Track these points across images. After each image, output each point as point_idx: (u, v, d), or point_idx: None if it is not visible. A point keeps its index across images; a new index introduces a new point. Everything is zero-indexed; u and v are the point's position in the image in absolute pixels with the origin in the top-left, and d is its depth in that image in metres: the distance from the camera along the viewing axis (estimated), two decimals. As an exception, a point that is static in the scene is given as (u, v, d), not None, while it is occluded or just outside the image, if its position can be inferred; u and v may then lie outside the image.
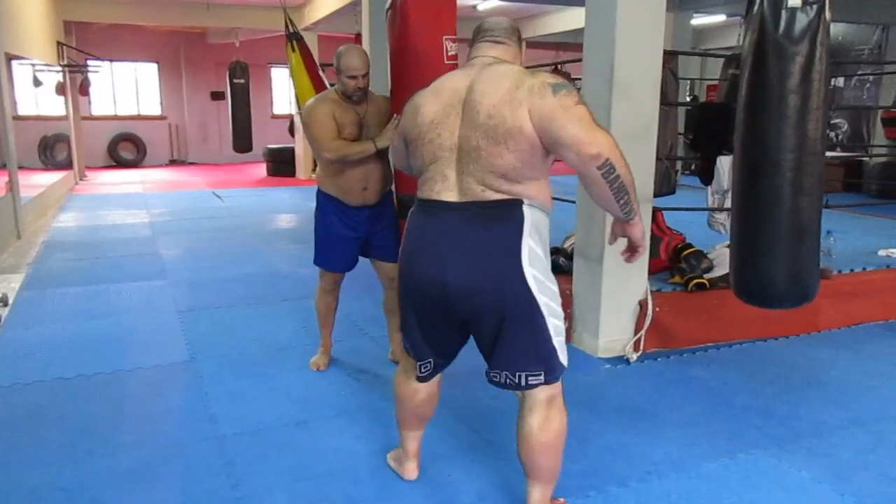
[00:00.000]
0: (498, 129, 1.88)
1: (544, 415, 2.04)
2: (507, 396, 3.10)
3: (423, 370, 2.23)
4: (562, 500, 2.28)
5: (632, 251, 2.07)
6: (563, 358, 2.04)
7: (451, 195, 1.98)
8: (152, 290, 4.96)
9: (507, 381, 2.03)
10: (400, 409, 2.38)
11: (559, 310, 2.03)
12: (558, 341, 2.02)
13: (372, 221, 3.20)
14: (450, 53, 3.00)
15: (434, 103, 2.03)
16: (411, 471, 2.44)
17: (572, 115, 1.84)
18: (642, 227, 2.01)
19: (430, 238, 2.02)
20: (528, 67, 2.09)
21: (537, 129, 1.86)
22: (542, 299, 1.96)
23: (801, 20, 2.35)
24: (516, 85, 1.90)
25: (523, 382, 2.01)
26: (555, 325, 2.00)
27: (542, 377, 2.01)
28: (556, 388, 2.07)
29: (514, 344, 1.99)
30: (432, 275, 1.99)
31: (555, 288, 2.02)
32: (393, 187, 3.27)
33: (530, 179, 1.94)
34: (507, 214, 1.94)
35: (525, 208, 1.94)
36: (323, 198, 3.22)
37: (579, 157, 1.83)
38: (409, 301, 2.14)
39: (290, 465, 2.53)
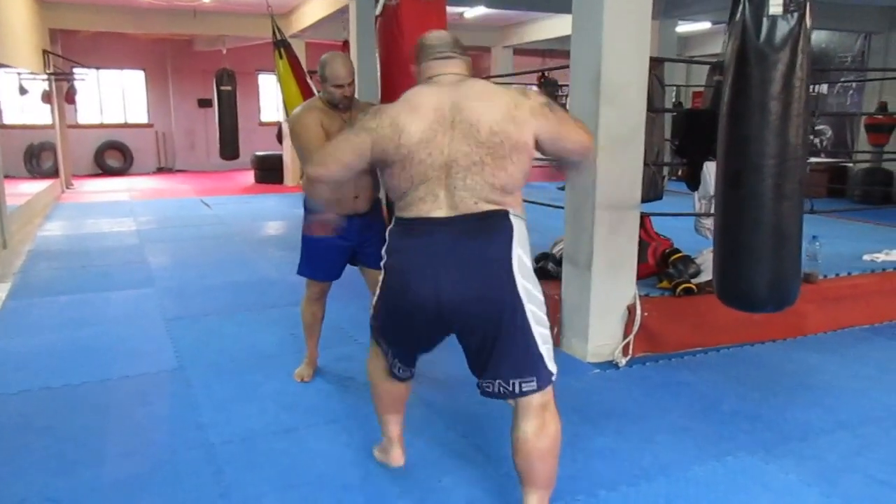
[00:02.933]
0: (504, 146, 1.98)
1: (540, 421, 2.05)
2: (497, 402, 3.10)
3: (402, 373, 2.30)
4: None
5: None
6: (552, 365, 2.07)
7: (440, 212, 2.01)
8: (140, 298, 4.93)
9: (501, 389, 2.04)
10: (379, 399, 2.43)
11: (545, 318, 2.06)
12: (545, 348, 2.05)
13: (362, 229, 3.20)
14: None
15: (419, 122, 2.02)
16: (398, 456, 2.45)
17: (571, 127, 2.10)
18: None
19: (421, 256, 2.02)
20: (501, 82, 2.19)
21: (546, 144, 2.06)
22: (529, 308, 2.00)
23: (783, 28, 2.38)
24: (515, 104, 2.02)
25: (517, 390, 2.03)
26: (541, 332, 2.03)
27: (534, 384, 2.03)
28: (549, 394, 2.09)
29: (506, 353, 2.01)
30: (426, 293, 2.00)
31: (540, 296, 2.06)
32: (381, 195, 3.27)
33: (518, 189, 2.06)
34: (497, 226, 2.00)
35: (512, 218, 2.02)
36: None
37: (585, 156, 2.18)
38: (396, 317, 2.15)
39: (279, 473, 2.52)
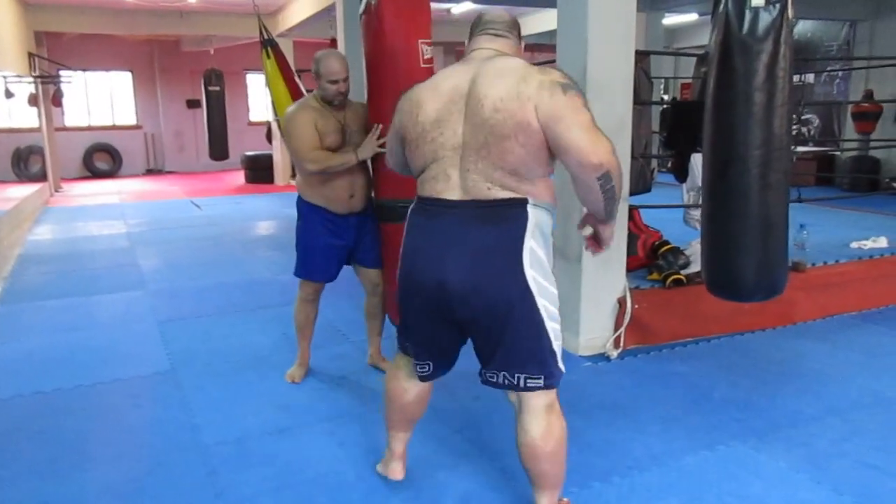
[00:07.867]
0: (506, 123, 1.84)
1: (545, 423, 2.00)
2: (490, 398, 3.11)
3: (420, 370, 2.18)
4: (566, 500, 2.25)
5: (597, 245, 2.10)
6: (561, 364, 2.01)
7: (453, 194, 1.94)
8: (131, 300, 4.92)
9: (505, 381, 1.99)
10: (388, 408, 2.35)
11: (557, 314, 1.99)
12: (557, 345, 1.99)
13: (358, 228, 3.19)
14: (425, 57, 3.01)
15: (435, 101, 1.98)
16: (396, 471, 2.41)
17: (579, 119, 1.83)
18: (614, 229, 2.06)
19: (428, 237, 1.99)
20: (536, 64, 2.03)
21: (543, 127, 1.83)
22: (541, 302, 1.93)
23: (765, 19, 2.40)
24: (524, 79, 1.86)
25: (521, 384, 1.98)
26: (553, 328, 1.97)
27: (541, 381, 1.97)
28: (553, 394, 2.04)
29: (514, 346, 1.95)
30: (430, 275, 1.96)
31: (555, 291, 1.99)
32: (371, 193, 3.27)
33: (539, 177, 1.93)
34: (511, 214, 1.90)
35: (530, 208, 1.91)
36: (308, 208, 3.18)
37: (580, 165, 1.82)
38: (407, 301, 2.10)
39: (274, 473, 2.53)
